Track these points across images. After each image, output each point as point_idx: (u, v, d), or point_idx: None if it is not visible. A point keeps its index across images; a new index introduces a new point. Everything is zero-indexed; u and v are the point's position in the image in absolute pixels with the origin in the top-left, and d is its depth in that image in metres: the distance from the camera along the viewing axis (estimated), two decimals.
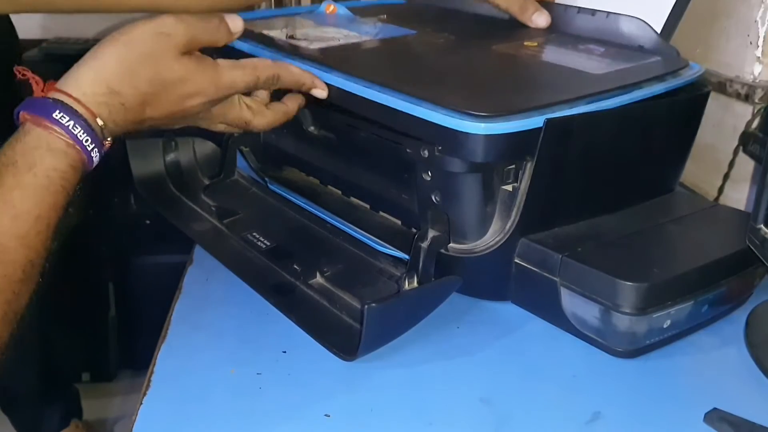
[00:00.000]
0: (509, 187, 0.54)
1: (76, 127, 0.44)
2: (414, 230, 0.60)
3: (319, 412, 0.45)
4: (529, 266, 0.55)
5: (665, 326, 0.52)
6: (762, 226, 0.52)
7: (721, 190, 0.81)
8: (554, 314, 0.55)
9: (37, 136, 0.43)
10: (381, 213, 0.67)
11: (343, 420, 0.45)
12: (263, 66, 0.54)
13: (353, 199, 0.70)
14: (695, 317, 0.54)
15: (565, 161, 0.56)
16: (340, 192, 0.72)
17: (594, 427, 0.45)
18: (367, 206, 0.68)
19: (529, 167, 0.53)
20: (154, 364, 0.50)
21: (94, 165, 0.47)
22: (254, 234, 0.67)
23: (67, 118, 0.44)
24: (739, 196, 0.79)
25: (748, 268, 0.57)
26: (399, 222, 0.65)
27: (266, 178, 0.78)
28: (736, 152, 0.78)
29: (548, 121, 0.51)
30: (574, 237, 0.56)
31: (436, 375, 0.50)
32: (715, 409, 0.46)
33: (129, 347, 1.72)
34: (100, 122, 0.45)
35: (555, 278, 0.53)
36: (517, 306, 0.59)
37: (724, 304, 0.57)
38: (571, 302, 0.53)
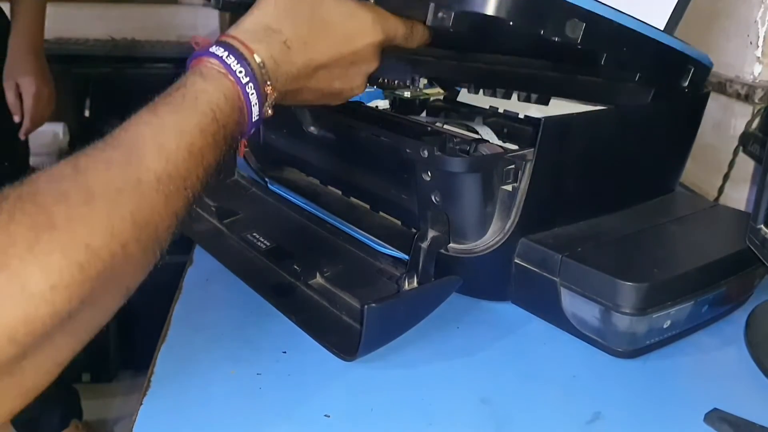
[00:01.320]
0: (509, 187, 0.54)
1: (230, 57, 0.43)
2: (414, 230, 0.60)
3: (319, 412, 0.45)
4: (529, 266, 0.55)
5: (665, 326, 0.52)
6: (762, 226, 0.52)
7: (721, 190, 0.81)
8: (554, 314, 0.55)
9: (193, 69, 0.43)
10: (381, 213, 0.67)
11: (343, 420, 0.45)
12: (417, 23, 0.52)
13: (353, 200, 0.70)
14: (695, 317, 0.54)
15: (564, 161, 0.56)
16: (340, 192, 0.72)
17: (594, 427, 0.45)
18: (367, 206, 0.68)
19: (529, 167, 0.53)
20: (154, 365, 0.50)
21: (254, 112, 0.44)
22: (254, 234, 0.67)
23: (222, 50, 0.43)
24: (739, 196, 0.79)
25: (748, 268, 0.57)
26: (399, 222, 0.65)
27: (266, 178, 0.78)
28: (736, 152, 0.78)
29: (546, 120, 0.51)
30: (574, 237, 0.56)
31: (436, 375, 0.50)
32: (715, 409, 0.46)
33: (129, 347, 1.72)
34: (257, 59, 0.44)
35: (555, 278, 0.53)
36: (517, 306, 0.59)
37: (724, 304, 0.57)
38: (571, 302, 0.53)
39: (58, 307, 0.33)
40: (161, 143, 0.39)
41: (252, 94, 0.44)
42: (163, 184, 0.39)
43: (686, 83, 0.60)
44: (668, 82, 0.60)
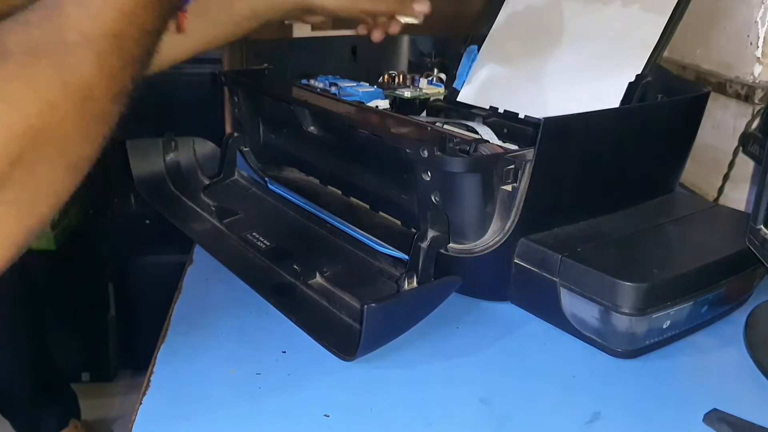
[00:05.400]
0: (509, 187, 0.54)
1: None
2: (414, 230, 0.60)
3: (318, 412, 0.45)
4: (528, 266, 0.56)
5: (665, 327, 0.52)
6: (762, 226, 0.52)
7: (720, 190, 0.80)
8: (554, 315, 0.55)
9: None
10: (381, 213, 0.67)
11: (343, 420, 0.45)
12: None
13: (353, 199, 0.70)
14: (695, 318, 0.54)
15: (564, 161, 0.56)
16: (339, 192, 0.72)
17: (594, 427, 0.45)
18: (367, 206, 0.68)
19: (529, 167, 0.53)
20: (154, 364, 0.50)
21: None
22: (254, 234, 0.67)
23: None
24: (739, 196, 0.79)
25: (748, 268, 0.57)
26: (399, 222, 0.65)
27: (266, 178, 0.78)
28: (735, 153, 0.78)
29: (546, 120, 0.51)
30: (573, 237, 0.56)
31: (435, 375, 0.50)
32: (714, 409, 0.46)
33: (129, 347, 1.72)
34: None
35: (555, 278, 0.53)
36: (516, 306, 0.59)
37: (723, 304, 0.57)
38: (570, 303, 0.53)
39: None
40: (84, 2, 0.37)
41: None
42: (92, 42, 0.36)
43: None
44: None
